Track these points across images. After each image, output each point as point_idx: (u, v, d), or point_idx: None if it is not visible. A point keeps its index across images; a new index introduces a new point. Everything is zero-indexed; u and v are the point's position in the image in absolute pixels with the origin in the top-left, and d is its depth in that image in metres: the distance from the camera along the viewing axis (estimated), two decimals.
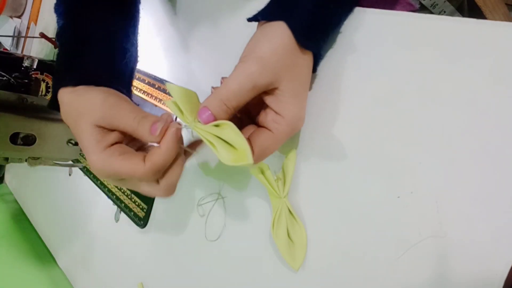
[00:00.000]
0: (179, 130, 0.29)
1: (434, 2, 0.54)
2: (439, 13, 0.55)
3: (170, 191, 0.32)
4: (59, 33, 0.38)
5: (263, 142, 0.30)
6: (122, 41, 0.39)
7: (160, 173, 0.30)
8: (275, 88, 0.30)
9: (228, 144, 0.28)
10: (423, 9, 0.55)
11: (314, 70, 0.34)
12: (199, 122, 0.29)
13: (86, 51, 0.36)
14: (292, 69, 0.30)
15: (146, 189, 0.32)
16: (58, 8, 0.39)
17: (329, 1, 0.31)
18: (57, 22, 0.39)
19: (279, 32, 0.30)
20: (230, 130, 0.28)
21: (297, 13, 0.30)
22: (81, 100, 0.33)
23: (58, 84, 0.35)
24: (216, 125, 0.29)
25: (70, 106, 0.33)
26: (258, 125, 0.33)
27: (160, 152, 0.29)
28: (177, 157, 0.31)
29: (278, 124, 0.30)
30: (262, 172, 0.36)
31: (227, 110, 0.29)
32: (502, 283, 0.25)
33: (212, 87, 0.33)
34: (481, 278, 0.25)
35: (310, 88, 0.36)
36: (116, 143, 0.32)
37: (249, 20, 0.33)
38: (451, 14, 0.56)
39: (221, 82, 0.34)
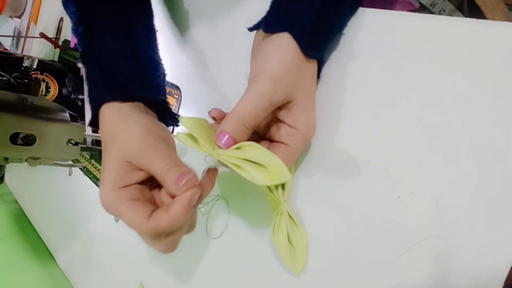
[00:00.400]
0: (195, 195, 0.27)
1: (434, 1, 0.54)
2: (439, 12, 0.55)
3: (170, 249, 0.30)
4: (85, 53, 0.37)
5: (282, 156, 0.30)
6: (151, 54, 0.39)
7: (163, 236, 0.28)
8: (288, 102, 0.30)
9: (256, 164, 0.27)
10: (422, 8, 0.55)
11: (318, 76, 0.34)
12: (219, 148, 0.28)
13: (120, 68, 0.35)
14: (301, 81, 0.30)
15: (146, 240, 0.29)
16: (77, 29, 0.37)
17: (329, 6, 0.30)
18: (78, 42, 0.38)
19: (285, 44, 0.29)
20: (256, 150, 0.27)
21: (299, 23, 0.29)
22: (121, 125, 0.31)
23: (98, 101, 0.33)
24: (237, 148, 0.28)
25: (109, 127, 0.32)
26: (270, 140, 0.33)
27: (166, 216, 0.27)
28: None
29: (293, 137, 0.30)
30: None
31: (246, 131, 0.28)
32: (502, 283, 0.25)
33: (212, 117, 0.33)
34: (481, 278, 0.25)
35: None
36: (136, 183, 0.30)
37: (250, 29, 0.33)
38: (451, 12, 0.56)
39: (213, 118, 0.34)
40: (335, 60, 0.35)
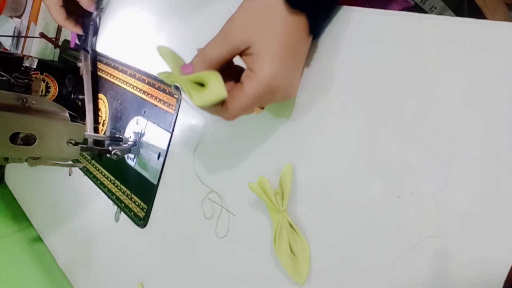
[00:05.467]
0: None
1: None
2: (430, 9, 0.54)
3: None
4: None
5: (234, 94, 0.32)
6: None
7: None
8: (248, 47, 0.31)
9: (200, 86, 0.32)
10: (417, 5, 0.54)
11: (315, 35, 0.34)
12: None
13: None
14: (263, 26, 0.31)
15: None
16: None
17: None
18: None
19: None
20: (205, 72, 0.31)
21: None
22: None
23: None
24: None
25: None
26: None
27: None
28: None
29: (249, 79, 0.31)
30: (261, 187, 0.36)
31: (203, 61, 0.32)
32: (502, 283, 0.25)
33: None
34: (481, 278, 0.25)
35: (305, 90, 0.36)
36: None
37: None
38: (442, 10, 0.55)
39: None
40: (330, 60, 0.35)
